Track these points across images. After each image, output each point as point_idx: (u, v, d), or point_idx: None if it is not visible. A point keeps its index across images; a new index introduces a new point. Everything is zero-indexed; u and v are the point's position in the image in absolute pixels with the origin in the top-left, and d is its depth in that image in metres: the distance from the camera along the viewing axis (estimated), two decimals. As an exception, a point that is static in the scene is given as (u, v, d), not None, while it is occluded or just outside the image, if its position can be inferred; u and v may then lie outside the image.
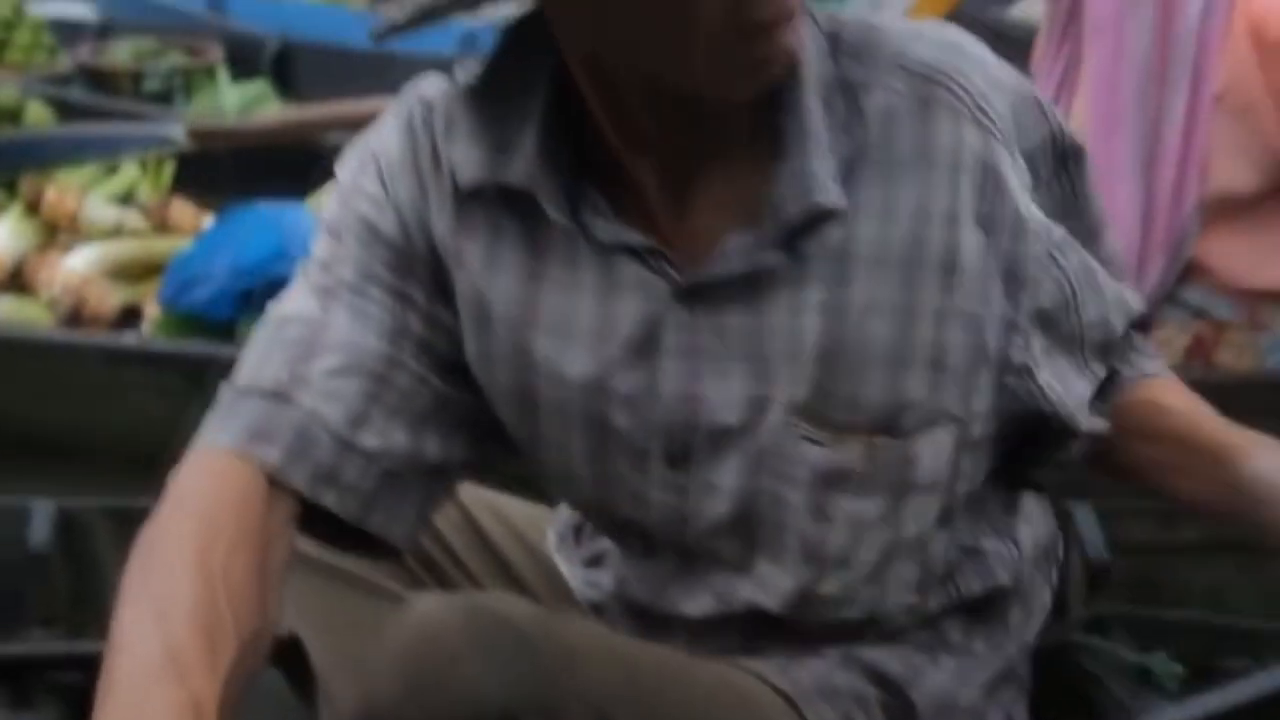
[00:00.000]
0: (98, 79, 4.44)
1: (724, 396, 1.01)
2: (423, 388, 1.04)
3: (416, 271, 1.04)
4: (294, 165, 2.83)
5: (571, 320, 1.02)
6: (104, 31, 5.02)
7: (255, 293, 2.20)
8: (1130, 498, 1.30)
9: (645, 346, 1.01)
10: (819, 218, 0.96)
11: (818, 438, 1.00)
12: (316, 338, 1.01)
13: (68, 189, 2.62)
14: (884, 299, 0.98)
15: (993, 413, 1.05)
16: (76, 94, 4.16)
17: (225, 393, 1.03)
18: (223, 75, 4.59)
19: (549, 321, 1.03)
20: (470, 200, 1.02)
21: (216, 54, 4.65)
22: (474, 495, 1.27)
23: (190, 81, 4.52)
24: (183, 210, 2.68)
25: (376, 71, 4.45)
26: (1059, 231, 1.06)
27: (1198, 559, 1.75)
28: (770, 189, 0.96)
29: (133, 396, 2.19)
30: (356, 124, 2.80)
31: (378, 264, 1.03)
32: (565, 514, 1.27)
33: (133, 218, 2.67)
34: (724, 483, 1.03)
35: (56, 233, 2.63)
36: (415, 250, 1.04)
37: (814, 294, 0.98)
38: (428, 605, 0.95)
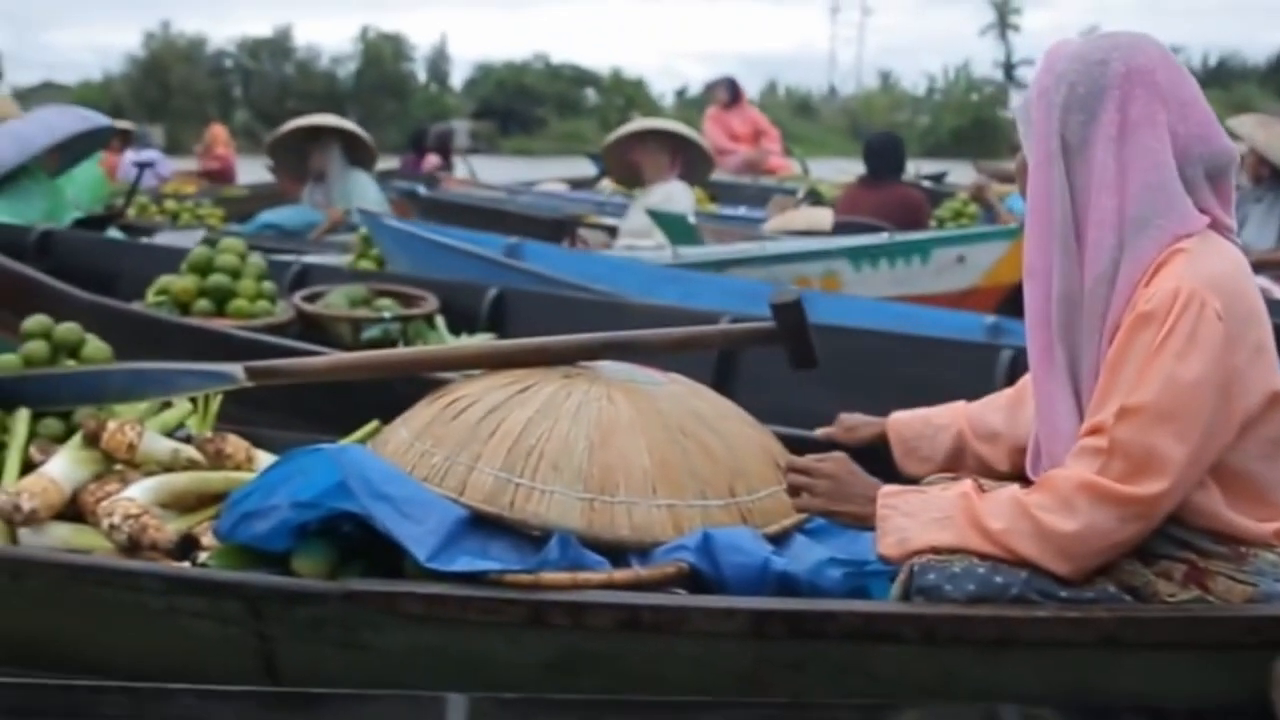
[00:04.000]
0: (315, 326, 4.62)
1: None
2: None
3: None
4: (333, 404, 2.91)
5: None
6: (301, 277, 5.21)
7: (310, 526, 2.23)
8: None
9: None
10: None
11: None
12: None
13: (127, 422, 2.71)
14: None
15: None
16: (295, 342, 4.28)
17: None
18: (441, 324, 4.68)
19: None
20: None
21: (431, 303, 4.76)
22: None
23: (408, 329, 4.62)
24: (236, 445, 2.75)
25: (589, 314, 4.49)
26: None
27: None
28: None
29: (193, 624, 2.22)
30: (425, 368, 2.85)
31: None
32: None
33: (187, 450, 2.74)
34: None
35: (113, 464, 2.71)
36: None
37: None
38: None
